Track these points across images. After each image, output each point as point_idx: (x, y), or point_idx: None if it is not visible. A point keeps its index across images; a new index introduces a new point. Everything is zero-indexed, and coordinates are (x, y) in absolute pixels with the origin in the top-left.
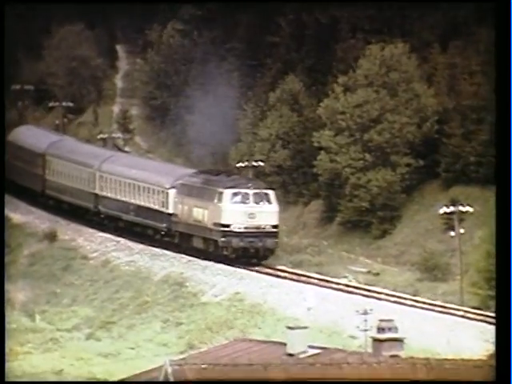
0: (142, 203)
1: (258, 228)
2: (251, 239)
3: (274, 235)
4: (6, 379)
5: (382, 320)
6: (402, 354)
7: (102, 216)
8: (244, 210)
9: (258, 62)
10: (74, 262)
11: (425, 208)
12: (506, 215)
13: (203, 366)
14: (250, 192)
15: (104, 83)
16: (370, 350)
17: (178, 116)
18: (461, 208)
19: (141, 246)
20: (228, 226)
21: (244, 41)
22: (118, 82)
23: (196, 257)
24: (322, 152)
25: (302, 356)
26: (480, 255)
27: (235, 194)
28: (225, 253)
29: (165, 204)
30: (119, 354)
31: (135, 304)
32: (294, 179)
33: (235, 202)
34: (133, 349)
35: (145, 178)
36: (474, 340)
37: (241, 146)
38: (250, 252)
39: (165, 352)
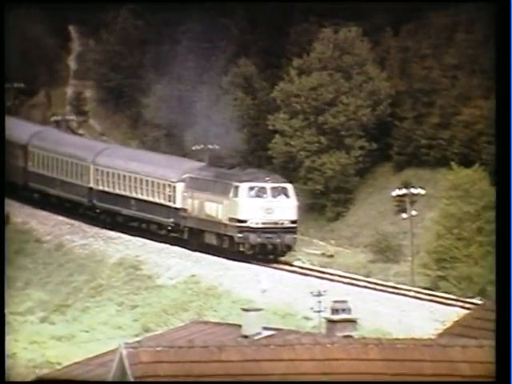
0: (145, 197)
1: (276, 223)
2: (269, 235)
3: (292, 231)
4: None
5: (335, 301)
6: (355, 334)
7: (98, 211)
8: (261, 205)
9: (213, 45)
10: (27, 245)
11: (378, 190)
12: (506, 209)
13: (158, 348)
14: (268, 186)
15: (57, 64)
16: (323, 330)
17: (133, 98)
18: (412, 190)
19: (95, 229)
20: (245, 221)
21: (198, 23)
22: (71, 63)
23: (209, 253)
24: (277, 135)
25: (256, 337)
26: (430, 237)
27: (252, 188)
28: (241, 249)
29: (172, 198)
30: (73, 337)
31: (89, 287)
32: (248, 162)
33: (252, 197)
34: (87, 332)
35: (148, 171)
36: (424, 320)
37: (196, 128)
38: (267, 248)
39: (119, 335)
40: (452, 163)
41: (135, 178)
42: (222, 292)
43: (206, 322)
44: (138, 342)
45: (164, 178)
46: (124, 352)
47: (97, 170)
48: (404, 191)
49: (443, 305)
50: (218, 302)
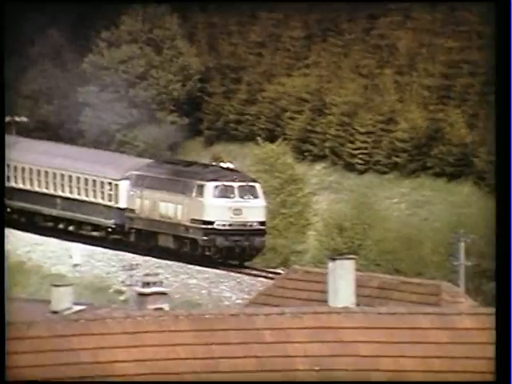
0: (76, 196)
1: (244, 225)
2: (237, 238)
3: (261, 233)
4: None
5: (147, 274)
6: (166, 306)
7: (9, 210)
8: (229, 206)
9: (20, 15)
10: None
11: None
12: (506, 217)
13: None
14: (235, 185)
15: None
16: (135, 304)
17: None
18: (222, 164)
19: None
20: (211, 223)
21: None
22: None
23: (162, 258)
24: (87, 108)
25: (66, 313)
26: None
27: (218, 188)
28: (207, 253)
29: (113, 197)
30: None
31: None
32: (59, 136)
33: (219, 197)
34: None
35: (80, 167)
36: (232, 290)
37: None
38: (234, 252)
39: None
40: (258, 138)
41: (62, 175)
42: (31, 267)
43: (13, 299)
44: None
45: (102, 176)
46: None
47: (8, 165)
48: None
49: (249, 276)
50: (27, 278)
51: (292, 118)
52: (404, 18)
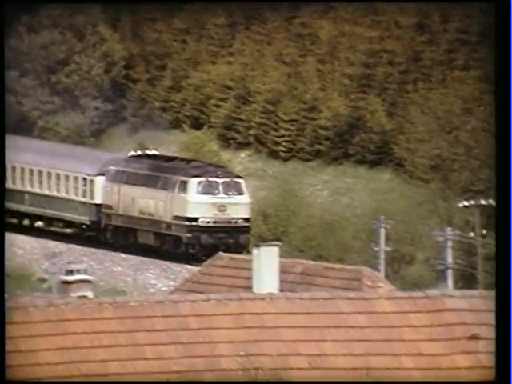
0: (47, 192)
1: (229, 222)
2: (221, 235)
3: (246, 230)
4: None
5: (70, 262)
6: (90, 294)
7: None
8: (213, 202)
9: None
10: None
11: (114, 152)
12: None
13: None
14: (219, 181)
15: None
16: (58, 292)
17: None
18: (147, 152)
19: None
20: (195, 219)
21: None
22: None
23: (141, 255)
24: (7, 94)
25: None
26: None
27: (201, 183)
28: (191, 251)
29: (88, 193)
30: None
31: None
32: None
33: (202, 193)
34: None
35: (53, 163)
36: (157, 278)
37: None
38: (219, 249)
39: None
40: (184, 125)
41: (30, 170)
42: None
43: None
44: None
45: (76, 171)
46: None
47: None
48: (139, 153)
49: (176, 262)
50: None
51: (217, 106)
52: (325, 8)
